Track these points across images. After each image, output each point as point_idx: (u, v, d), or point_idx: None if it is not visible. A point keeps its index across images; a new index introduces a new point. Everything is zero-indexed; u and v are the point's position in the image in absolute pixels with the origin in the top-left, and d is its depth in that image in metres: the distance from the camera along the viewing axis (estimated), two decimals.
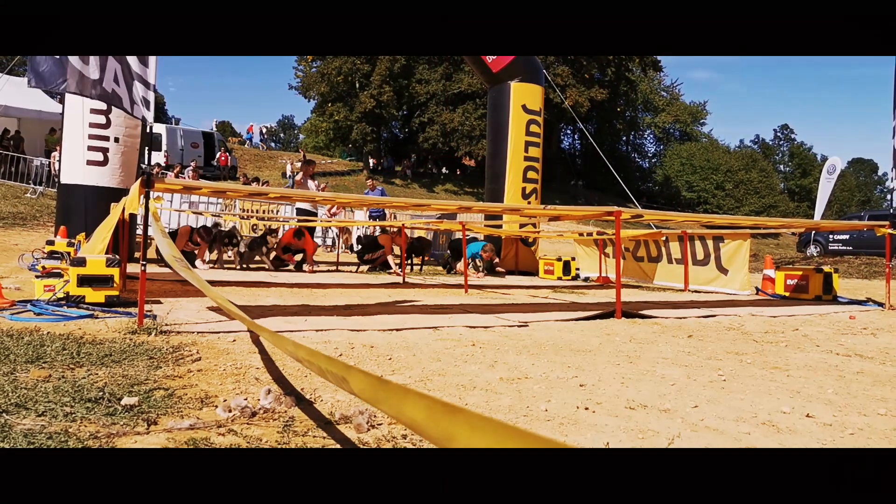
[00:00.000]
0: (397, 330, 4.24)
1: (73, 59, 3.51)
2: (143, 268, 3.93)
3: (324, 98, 42.26)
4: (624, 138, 52.93)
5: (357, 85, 39.53)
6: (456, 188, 41.82)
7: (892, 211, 16.65)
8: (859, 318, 6.08)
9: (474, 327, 4.55)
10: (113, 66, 3.67)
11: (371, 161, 41.79)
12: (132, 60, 3.84)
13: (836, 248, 19.20)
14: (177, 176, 18.91)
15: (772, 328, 5.08)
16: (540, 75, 12.52)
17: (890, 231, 7.42)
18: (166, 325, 3.81)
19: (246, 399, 2.19)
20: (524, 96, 11.93)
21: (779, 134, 63.41)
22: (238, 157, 36.56)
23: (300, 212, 12.00)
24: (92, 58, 3.57)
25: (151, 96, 3.97)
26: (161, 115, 49.03)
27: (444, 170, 44.53)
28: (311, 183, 10.78)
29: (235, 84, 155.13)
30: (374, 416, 2.09)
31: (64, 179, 8.88)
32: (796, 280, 8.09)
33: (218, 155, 32.34)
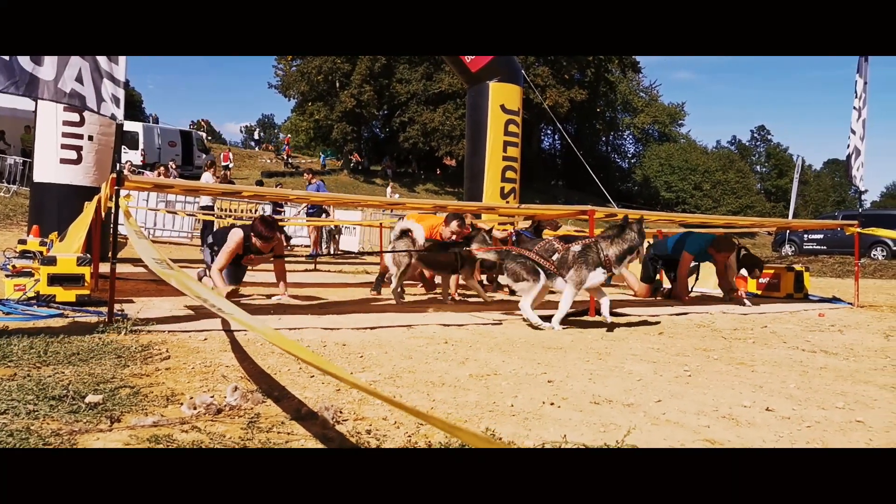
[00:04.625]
0: (371, 328, 4.24)
1: (23, 60, 3.46)
2: (112, 266, 3.91)
3: (304, 97, 42.04)
4: (604, 139, 53.29)
5: (337, 84, 39.37)
6: (437, 188, 41.84)
7: (860, 211, 16.99)
8: (828, 315, 6.20)
9: (448, 325, 4.57)
10: (77, 65, 3.63)
11: (351, 159, 41.72)
12: (101, 58, 3.81)
13: (811, 247, 19.54)
14: (164, 176, 18.69)
15: (741, 325, 5.17)
16: (518, 76, 12.57)
17: (859, 230, 7.57)
18: (137, 323, 3.78)
19: (212, 396, 2.19)
20: (503, 96, 11.98)
21: (756, 135, 64.19)
22: (217, 156, 36.24)
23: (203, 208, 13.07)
24: (47, 58, 3.52)
25: (121, 94, 3.93)
26: (138, 114, 48.49)
27: (422, 173, 44.50)
28: (206, 174, 12.07)
29: (215, 82, 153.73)
30: (340, 413, 2.11)
31: (37, 178, 8.76)
32: (768, 279, 8.22)
33: (222, 154, 32.20)
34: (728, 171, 49.16)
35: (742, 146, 62.80)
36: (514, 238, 7.18)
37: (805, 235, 19.91)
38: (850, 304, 7.37)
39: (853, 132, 11.08)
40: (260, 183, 15.24)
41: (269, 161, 43.35)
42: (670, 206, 46.97)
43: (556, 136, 50.38)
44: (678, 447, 1.92)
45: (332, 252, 14.16)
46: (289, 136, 46.65)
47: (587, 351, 3.73)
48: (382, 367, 3.02)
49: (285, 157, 42.52)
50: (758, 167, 60.47)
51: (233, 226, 5.95)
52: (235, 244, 5.49)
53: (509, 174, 12.13)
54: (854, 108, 10.83)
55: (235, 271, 5.83)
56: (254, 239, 5.56)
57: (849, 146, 11.22)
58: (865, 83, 10.81)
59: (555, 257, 4.75)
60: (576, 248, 4.79)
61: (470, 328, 4.54)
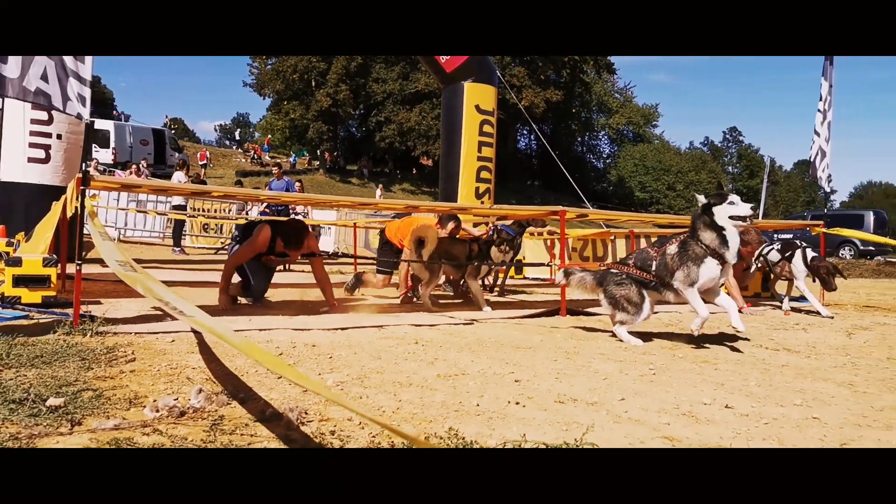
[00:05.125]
0: (342, 329, 4.25)
1: None
2: (78, 267, 3.86)
3: (279, 96, 41.79)
4: (579, 139, 53.71)
5: (313, 83, 39.20)
6: (413, 188, 41.84)
7: (825, 211, 17.39)
8: (794, 314, 6.33)
9: (420, 325, 4.59)
10: (42, 63, 3.58)
11: (327, 158, 41.54)
12: (67, 56, 3.76)
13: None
14: (135, 175, 18.40)
15: (708, 324, 5.24)
16: (493, 76, 12.63)
17: (824, 230, 7.74)
18: (103, 325, 3.74)
19: (176, 399, 2.18)
20: (477, 97, 12.02)
21: (727, 136, 65.23)
22: (190, 154, 35.83)
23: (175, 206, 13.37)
24: (11, 56, 3.48)
25: (87, 92, 3.88)
26: (110, 112, 47.73)
27: (398, 172, 44.44)
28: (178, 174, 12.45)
29: (188, 80, 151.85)
30: (305, 414, 2.11)
31: (4, 177, 8.59)
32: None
33: (199, 153, 31.77)
34: (701, 172, 49.93)
35: (714, 147, 63.76)
36: (492, 234, 7.09)
37: (775, 235, 20.27)
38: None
39: (818, 134, 11.31)
40: (239, 183, 15.10)
41: (243, 160, 42.94)
42: (644, 206, 47.51)
43: (531, 137, 50.64)
44: (632, 446, 1.96)
45: None
46: (269, 136, 46.11)
47: (555, 350, 3.77)
48: (351, 367, 3.03)
49: (256, 156, 42.08)
50: (730, 168, 61.48)
51: (261, 220, 5.64)
52: (261, 241, 5.14)
53: (484, 174, 12.18)
54: (819, 110, 11.06)
55: (264, 274, 5.52)
56: (279, 240, 5.21)
57: (812, 148, 11.46)
58: (831, 86, 11.05)
59: (654, 266, 4.14)
60: (672, 248, 4.15)
61: (441, 328, 4.56)
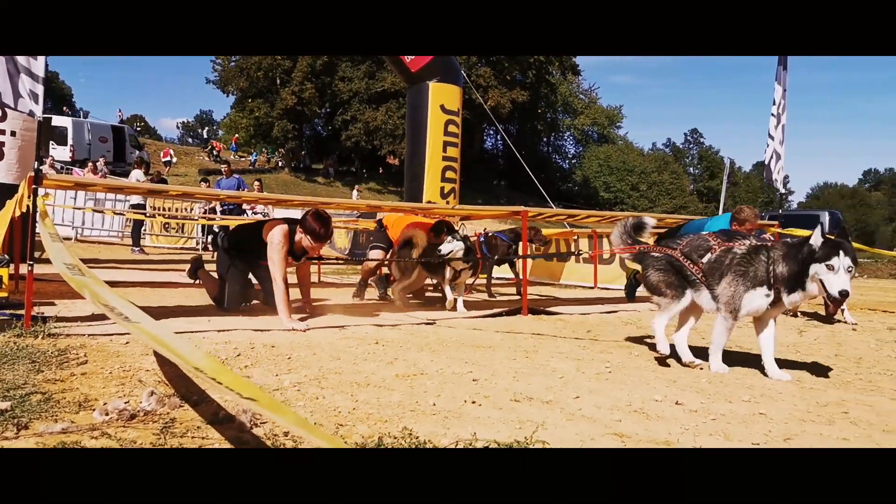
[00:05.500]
0: (303, 329, 4.23)
1: None
2: (30, 268, 3.77)
3: (243, 93, 41.24)
4: (545, 139, 54.12)
5: (278, 81, 38.78)
6: (380, 187, 41.69)
7: (780, 212, 17.90)
8: None
9: (381, 325, 4.59)
10: None
11: (279, 154, 41.21)
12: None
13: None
14: (93, 173, 17.96)
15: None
16: (458, 76, 12.67)
17: (779, 230, 7.95)
18: (55, 327, 3.66)
19: (127, 402, 2.15)
20: (442, 96, 12.04)
21: (689, 138, 66.39)
22: (151, 152, 35.16)
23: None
24: None
25: (40, 89, 3.79)
26: (68, 108, 46.55)
27: (364, 171, 44.28)
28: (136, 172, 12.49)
29: (150, 77, 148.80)
30: (259, 416, 2.10)
31: None
32: None
33: (162, 151, 31.08)
34: (663, 173, 50.77)
35: (676, 148, 64.85)
36: (482, 241, 6.97)
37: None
38: None
39: (772, 137, 11.61)
40: (205, 181, 14.79)
41: (207, 158, 42.25)
42: (609, 205, 48.07)
43: (498, 137, 50.87)
44: (583, 443, 2.00)
45: None
46: (236, 135, 45.27)
47: (515, 350, 3.81)
48: (309, 368, 3.02)
49: (216, 153, 41.40)
50: (691, 169, 62.59)
51: (263, 221, 5.07)
52: (284, 244, 4.59)
53: (449, 174, 12.20)
54: (773, 114, 11.35)
55: (243, 281, 5.11)
56: (302, 238, 4.66)
57: (767, 151, 11.75)
58: (784, 90, 11.35)
59: (706, 259, 3.46)
60: (740, 248, 3.39)
61: (403, 328, 4.57)
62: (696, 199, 53.82)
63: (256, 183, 14.52)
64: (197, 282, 5.63)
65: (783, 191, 12.52)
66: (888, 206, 69.71)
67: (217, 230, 12.03)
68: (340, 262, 12.13)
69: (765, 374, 3.28)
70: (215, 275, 5.28)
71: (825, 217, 23.75)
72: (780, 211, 19.19)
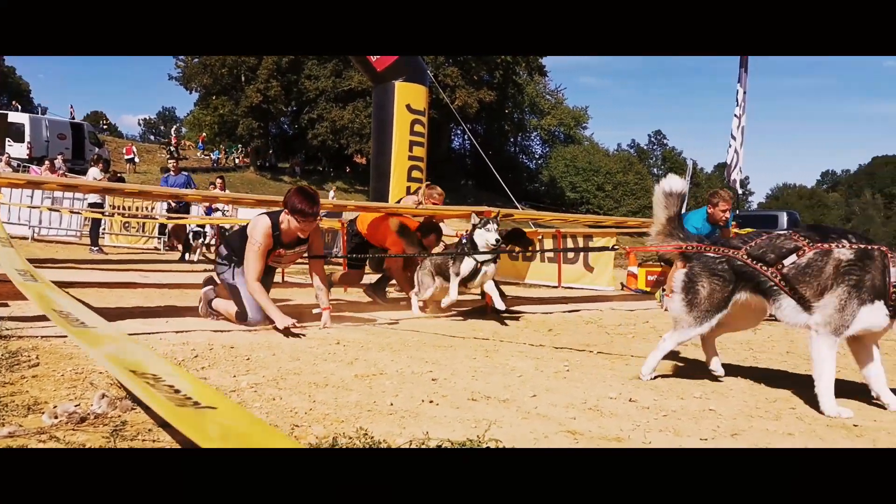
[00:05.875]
0: (264, 329, 4.19)
1: None
2: None
3: (207, 90, 40.64)
4: (512, 139, 54.43)
5: (243, 78, 38.30)
6: (347, 186, 41.47)
7: (736, 213, 18.34)
8: None
9: (343, 326, 4.58)
10: None
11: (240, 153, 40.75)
12: None
13: (661, 247, 20.75)
14: (51, 171, 17.48)
15: (626, 321, 5.46)
16: (425, 76, 12.68)
17: (737, 231, 8.14)
18: (7, 328, 3.57)
19: (77, 404, 2.12)
20: (408, 96, 12.04)
21: (653, 139, 67.58)
22: (111, 149, 34.42)
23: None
24: None
25: None
26: (26, 104, 45.34)
27: (331, 170, 43.99)
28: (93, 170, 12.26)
29: (111, 72, 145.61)
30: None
31: None
32: (656, 276, 8.70)
33: (125, 148, 30.36)
34: (628, 173, 51.51)
35: (640, 149, 65.91)
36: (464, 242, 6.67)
37: None
38: None
39: (734, 139, 11.89)
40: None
41: (176, 158, 41.53)
42: (575, 206, 48.59)
43: (465, 137, 51.03)
44: (536, 441, 2.03)
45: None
46: (203, 134, 44.38)
47: (476, 349, 3.84)
48: (268, 369, 3.00)
49: (173, 148, 40.63)
50: (655, 170, 63.59)
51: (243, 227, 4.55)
52: (265, 237, 4.20)
53: (415, 174, 12.22)
54: (735, 115, 11.64)
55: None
56: (288, 221, 4.23)
57: (729, 152, 12.04)
58: (745, 92, 11.64)
59: (789, 262, 2.69)
60: (843, 252, 2.61)
61: (365, 328, 4.57)
62: None
63: (219, 181, 14.20)
64: (214, 317, 4.68)
65: (740, 191, 12.82)
66: (844, 206, 71.68)
67: (195, 229, 11.90)
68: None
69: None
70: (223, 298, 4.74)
71: (783, 217, 24.35)
72: (738, 211, 19.68)
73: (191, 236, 11.99)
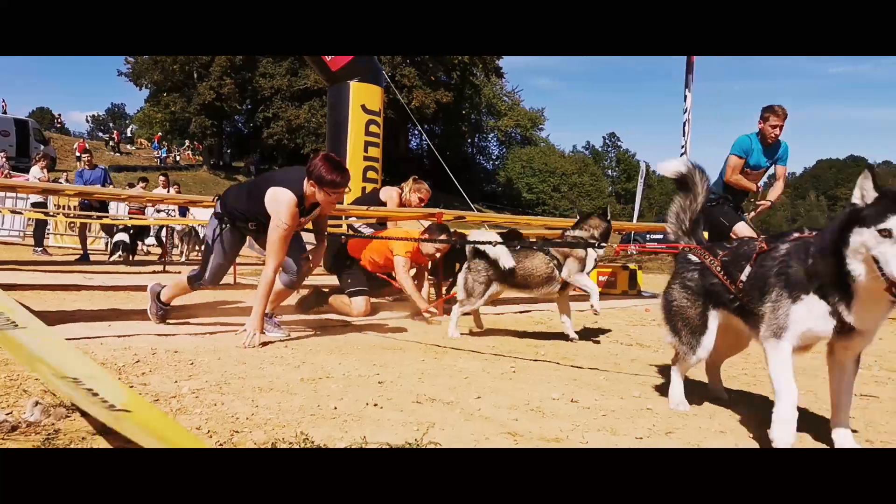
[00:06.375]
0: (211, 333, 4.13)
1: None
2: None
3: (158, 87, 39.72)
4: (469, 140, 54.68)
5: (195, 75, 37.55)
6: None
7: None
8: (654, 310, 6.80)
9: (293, 328, 4.54)
10: None
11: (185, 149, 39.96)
12: None
13: (654, 246, 21.28)
14: None
15: (575, 321, 5.54)
16: (380, 76, 12.67)
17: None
18: None
19: (9, 413, 2.06)
20: (364, 96, 12.01)
21: (607, 141, 68.68)
22: (57, 147, 33.35)
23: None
24: None
25: None
26: None
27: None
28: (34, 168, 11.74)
29: (58, 67, 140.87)
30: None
31: None
32: (607, 276, 8.87)
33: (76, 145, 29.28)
34: (583, 175, 52.36)
35: (595, 151, 66.95)
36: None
37: (648, 235, 21.65)
38: None
39: (683, 141, 12.20)
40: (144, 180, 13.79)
41: (117, 154, 40.42)
42: (532, 207, 49.10)
43: (422, 137, 51.08)
44: (476, 442, 2.06)
45: (182, 253, 13.20)
46: (159, 133, 43.22)
47: (425, 351, 3.86)
48: (212, 373, 2.96)
49: (114, 143, 39.54)
50: (609, 171, 64.74)
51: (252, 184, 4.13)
52: (293, 217, 3.75)
53: (371, 174, 12.20)
54: (683, 119, 11.96)
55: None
56: (315, 192, 3.75)
57: (680, 154, 12.34)
58: (691, 96, 11.95)
59: (746, 273, 2.32)
60: (782, 248, 2.22)
61: (316, 331, 4.54)
62: (615, 201, 55.69)
63: (162, 178, 13.57)
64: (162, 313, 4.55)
65: None
66: (790, 207, 74.11)
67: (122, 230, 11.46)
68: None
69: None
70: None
71: None
72: None
73: (114, 241, 11.38)
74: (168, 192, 12.56)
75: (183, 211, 12.89)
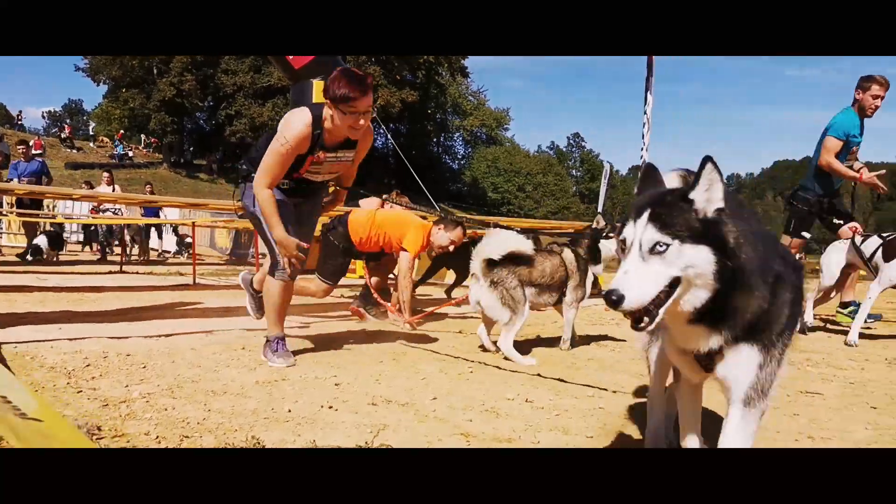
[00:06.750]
0: (166, 335, 4.06)
1: None
2: None
3: (116, 83, 38.83)
4: (435, 140, 54.71)
5: (155, 71, 36.80)
6: None
7: None
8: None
9: (252, 330, 4.48)
10: None
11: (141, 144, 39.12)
12: None
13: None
14: None
15: (534, 321, 5.59)
16: None
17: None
18: None
19: None
20: None
21: (571, 141, 69.40)
22: (10, 144, 32.29)
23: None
24: None
25: None
26: None
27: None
28: None
29: (12, 60, 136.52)
30: (99, 430, 2.02)
31: None
32: None
33: (32, 142, 28.24)
34: (548, 175, 52.82)
35: (560, 151, 67.58)
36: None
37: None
38: None
39: (644, 142, 12.39)
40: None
41: (74, 151, 39.38)
42: (497, 206, 49.33)
43: (388, 136, 50.91)
44: (429, 444, 2.08)
45: (130, 254, 12.74)
46: (121, 131, 41.95)
47: (384, 352, 3.86)
48: (165, 377, 2.92)
49: (67, 137, 38.42)
50: (573, 171, 65.44)
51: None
52: (299, 137, 3.11)
53: None
54: (643, 120, 12.13)
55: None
56: (332, 118, 3.10)
57: (641, 155, 12.54)
58: (651, 97, 12.13)
59: None
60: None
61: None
62: (579, 201, 56.33)
63: (106, 175, 12.75)
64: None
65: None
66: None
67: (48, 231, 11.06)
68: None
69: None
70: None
71: None
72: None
73: (34, 243, 10.88)
74: (112, 189, 12.17)
75: (154, 211, 12.48)
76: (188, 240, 13.34)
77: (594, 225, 4.37)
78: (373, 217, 5.15)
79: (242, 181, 3.43)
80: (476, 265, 3.90)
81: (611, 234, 4.20)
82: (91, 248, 13.89)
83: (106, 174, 12.83)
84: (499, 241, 3.91)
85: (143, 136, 40.42)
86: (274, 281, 3.40)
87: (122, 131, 41.98)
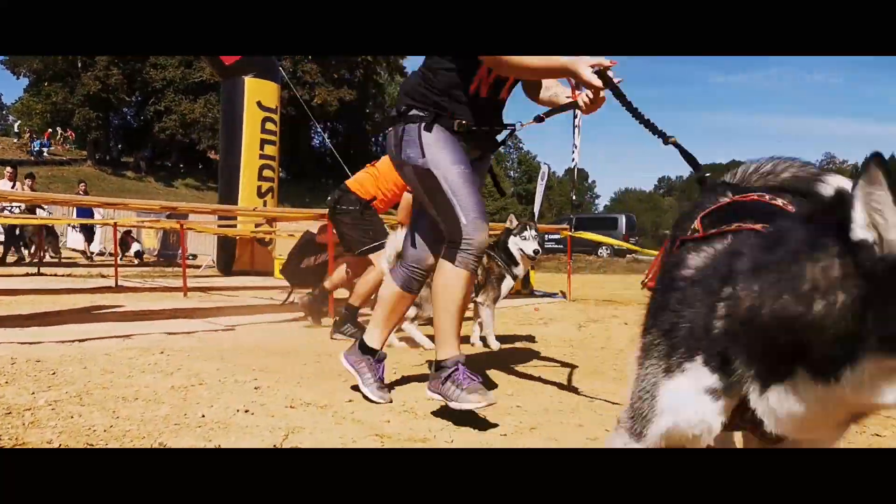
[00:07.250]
0: (80, 341, 3.91)
1: None
2: None
3: (38, 76, 37.04)
4: (373, 139, 54.38)
5: (79, 64, 35.29)
6: (198, 183, 39.47)
7: (571, 217, 19.84)
8: (543, 309, 7.04)
9: (174, 333, 4.39)
10: None
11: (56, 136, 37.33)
12: None
13: (551, 245, 22.03)
14: None
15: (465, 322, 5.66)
16: (276, 73, 12.37)
17: (570, 234, 8.73)
18: None
19: None
20: (259, 93, 11.68)
21: (508, 143, 70.28)
22: None
23: None
24: None
25: None
26: None
27: (182, 166, 41.52)
28: None
29: None
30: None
31: None
32: None
33: None
34: (486, 175, 53.31)
35: (498, 152, 68.33)
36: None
37: (547, 235, 22.37)
38: (566, 298, 8.46)
39: (575, 146, 12.71)
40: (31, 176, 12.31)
41: (3, 148, 37.33)
42: None
43: (326, 135, 50.35)
44: (343, 445, 2.08)
45: (42, 254, 12.04)
46: (49, 130, 39.53)
47: (314, 354, 3.83)
48: (74, 384, 2.81)
49: None
50: (511, 172, 66.30)
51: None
52: None
53: (267, 173, 11.89)
54: (574, 125, 12.47)
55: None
56: None
57: (573, 159, 12.86)
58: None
59: None
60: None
61: (198, 335, 4.42)
62: (516, 202, 57.11)
63: (8, 170, 12.00)
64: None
65: (574, 197, 13.90)
66: (678, 209, 78.65)
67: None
68: None
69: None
70: None
71: (622, 219, 26.41)
72: (575, 214, 21.18)
73: None
74: (14, 186, 11.53)
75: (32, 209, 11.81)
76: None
77: (507, 225, 4.40)
78: (374, 170, 4.67)
79: (402, 119, 2.66)
80: (384, 262, 3.76)
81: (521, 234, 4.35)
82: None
83: (9, 169, 12.02)
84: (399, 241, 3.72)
85: (59, 130, 38.26)
86: (456, 270, 2.42)
87: (49, 131, 39.66)
